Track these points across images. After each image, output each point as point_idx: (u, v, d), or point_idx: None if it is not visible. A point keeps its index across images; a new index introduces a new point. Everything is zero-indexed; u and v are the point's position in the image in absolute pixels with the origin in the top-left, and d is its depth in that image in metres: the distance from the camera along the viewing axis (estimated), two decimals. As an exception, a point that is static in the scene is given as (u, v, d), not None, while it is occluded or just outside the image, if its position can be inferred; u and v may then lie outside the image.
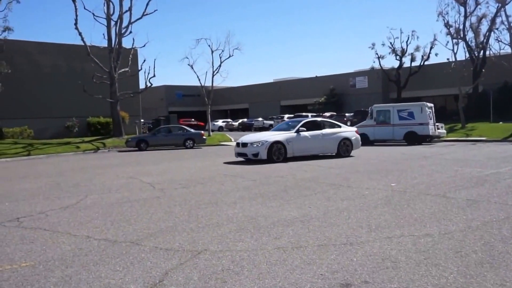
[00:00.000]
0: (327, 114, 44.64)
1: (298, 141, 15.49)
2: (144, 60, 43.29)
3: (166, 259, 4.92)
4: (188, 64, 40.40)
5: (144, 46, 34.82)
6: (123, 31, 32.12)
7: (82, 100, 33.14)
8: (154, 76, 33.98)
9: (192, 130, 28.86)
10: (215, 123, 52.74)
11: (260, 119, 53.65)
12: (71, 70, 34.93)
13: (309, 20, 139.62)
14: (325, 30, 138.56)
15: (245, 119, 58.17)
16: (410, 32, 49.14)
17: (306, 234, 5.83)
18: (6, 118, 30.81)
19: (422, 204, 7.53)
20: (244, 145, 15.56)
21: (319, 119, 18.14)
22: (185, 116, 59.27)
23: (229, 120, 60.88)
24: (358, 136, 17.18)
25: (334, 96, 54.94)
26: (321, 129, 16.37)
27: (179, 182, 11.12)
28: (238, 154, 15.85)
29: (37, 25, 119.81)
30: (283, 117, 47.96)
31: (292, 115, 47.58)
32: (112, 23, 31.97)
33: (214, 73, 40.03)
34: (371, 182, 10.05)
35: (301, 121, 16.51)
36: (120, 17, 31.94)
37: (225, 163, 15.74)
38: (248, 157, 15.31)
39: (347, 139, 16.55)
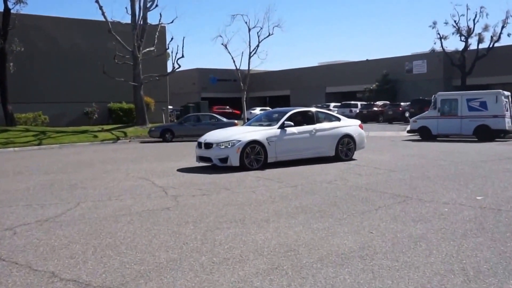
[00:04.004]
0: (380, 102, 42.38)
1: (283, 140, 12.45)
2: (172, 38, 42.22)
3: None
4: (222, 44, 38.75)
5: (172, 22, 33.76)
6: (148, 4, 31.02)
7: (103, 83, 32.46)
8: (182, 56, 32.48)
9: (225, 119, 27.44)
10: (252, 112, 51.26)
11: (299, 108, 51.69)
12: (90, 49, 34.21)
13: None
14: (377, 7, 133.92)
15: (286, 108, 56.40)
16: (478, 9, 45.74)
17: (371, 283, 4.17)
18: (18, 103, 30.29)
19: (537, 233, 5.70)
20: (208, 145, 12.27)
21: (313, 109, 14.64)
22: (219, 103, 58.22)
23: (267, 108, 59.21)
24: (363, 131, 14.25)
25: (388, 83, 52.33)
26: (314, 123, 13.29)
27: (200, 186, 9.62)
28: (200, 159, 12.60)
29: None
30: (329, 105, 45.93)
31: (339, 104, 45.52)
32: (137, -5, 30.92)
33: (251, 54, 38.47)
34: (448, 193, 8.21)
35: (286, 112, 13.29)
36: (146, -11, 30.84)
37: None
38: (213, 163, 12.16)
39: (348, 136, 13.57)
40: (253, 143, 12.01)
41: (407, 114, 33.27)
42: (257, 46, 38.42)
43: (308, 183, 9.66)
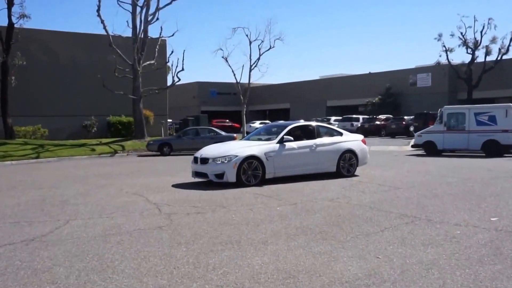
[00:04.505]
0: (382, 116, 42.03)
1: (282, 156, 11.98)
2: (172, 52, 41.96)
3: None
4: (222, 57, 38.57)
5: (173, 35, 33.61)
6: (149, 18, 30.93)
7: (102, 96, 32.26)
8: (182, 69, 32.26)
9: (223, 133, 27.11)
10: (252, 125, 50.98)
11: (302, 121, 51.46)
12: (90, 62, 34.09)
13: (362, 7, 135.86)
14: (380, 18, 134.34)
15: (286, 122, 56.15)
16: (486, 20, 45.30)
17: (380, 320, 3.78)
18: (18, 116, 30.12)
19: (556, 259, 5.30)
20: (204, 161, 11.84)
21: (313, 123, 14.16)
22: (219, 117, 58.04)
23: (267, 121, 58.98)
24: (365, 147, 13.86)
25: (391, 96, 52.06)
26: (314, 137, 12.83)
27: (195, 203, 9.24)
28: (196, 174, 12.21)
29: (54, 12, 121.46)
30: (330, 119, 45.63)
31: (340, 117, 45.23)
32: (138, 9, 30.84)
33: (252, 67, 38.29)
34: (459, 213, 7.79)
35: (286, 126, 12.90)
36: (147, 2, 30.73)
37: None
38: (209, 179, 11.75)
39: (350, 151, 13.14)
40: (251, 158, 11.57)
41: (411, 128, 32.86)
42: (258, 59, 38.28)
43: (308, 201, 9.27)
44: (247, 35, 38.80)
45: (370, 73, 58.10)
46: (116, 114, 35.33)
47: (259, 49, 38.24)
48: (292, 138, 12.33)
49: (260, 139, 13.07)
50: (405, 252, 5.61)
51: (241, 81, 38.85)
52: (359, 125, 40.83)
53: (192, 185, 11.92)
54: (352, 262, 5.27)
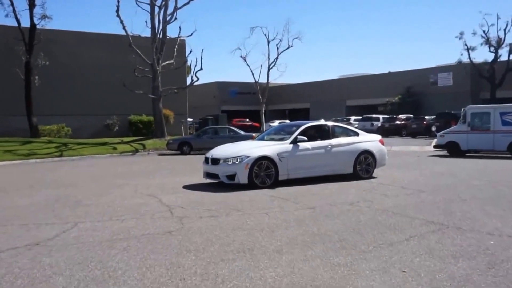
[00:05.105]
0: (403, 116, 41.01)
1: (295, 156, 11.35)
2: (191, 51, 41.79)
3: None
4: (241, 56, 38.24)
5: (191, 35, 33.22)
6: (168, 18, 30.65)
7: (124, 96, 32.16)
8: (201, 69, 32.03)
9: (242, 132, 26.62)
10: (271, 124, 50.37)
11: (322, 120, 50.70)
12: (112, 62, 34.01)
13: (382, 6, 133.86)
14: (400, 17, 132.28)
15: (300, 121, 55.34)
16: (510, 18, 43.93)
17: None
18: (43, 115, 30.25)
19: None
20: (215, 161, 11.31)
21: (329, 123, 13.52)
22: (239, 116, 57.60)
23: (287, 121, 58.38)
24: (384, 147, 13.06)
25: (411, 96, 50.87)
26: (329, 138, 12.14)
27: (209, 205, 8.75)
28: (207, 175, 11.70)
29: (76, 13, 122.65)
30: (350, 118, 44.78)
31: (360, 117, 44.34)
32: (156, 9, 30.57)
33: (270, 67, 37.91)
34: (491, 221, 7.11)
35: (300, 126, 12.20)
36: (165, 3, 30.44)
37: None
38: (220, 180, 11.24)
39: (367, 152, 12.41)
40: (263, 159, 10.95)
41: (433, 128, 31.83)
42: (276, 58, 37.93)
43: (327, 204, 8.69)
44: (265, 35, 38.67)
45: (389, 72, 56.94)
46: (137, 113, 35.31)
47: (277, 49, 37.88)
48: (306, 138, 11.66)
49: (273, 139, 12.46)
50: (434, 265, 5.00)
51: (259, 81, 38.36)
52: (379, 124, 39.92)
53: (208, 186, 11.45)
54: (375, 276, 4.70)
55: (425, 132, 34.86)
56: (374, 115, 44.29)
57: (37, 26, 28.34)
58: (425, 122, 35.95)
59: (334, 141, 12.12)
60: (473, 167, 15.27)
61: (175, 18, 30.84)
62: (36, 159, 22.23)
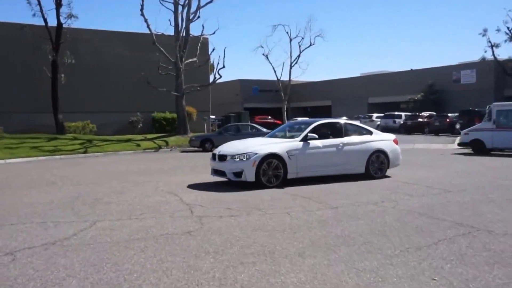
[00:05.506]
0: (425, 113, 40.09)
1: (305, 154, 10.86)
2: (213, 49, 41.59)
3: None
4: (263, 54, 38.13)
5: (214, 33, 33.03)
6: (191, 16, 30.48)
7: (147, 93, 32.22)
8: (224, 67, 31.69)
9: (264, 130, 26.29)
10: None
11: (344, 118, 50.06)
12: (136, 60, 34.10)
13: (404, 3, 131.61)
14: (422, 14, 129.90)
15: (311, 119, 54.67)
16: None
17: None
18: (69, 112, 30.48)
19: None
20: (222, 158, 10.88)
21: (341, 121, 12.96)
22: (261, 113, 57.32)
23: (307, 118, 57.87)
24: (398, 147, 12.44)
25: (434, 93, 49.75)
26: (341, 136, 11.63)
27: (229, 204, 8.46)
28: (215, 172, 11.28)
29: (101, 12, 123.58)
30: (372, 116, 44.04)
31: (382, 114, 43.57)
32: (180, 8, 30.44)
33: (292, 64, 37.50)
34: (523, 222, 6.66)
35: (311, 123, 11.68)
36: (189, 1, 30.28)
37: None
38: (227, 177, 10.80)
39: (380, 151, 11.89)
40: (272, 156, 10.47)
41: (457, 126, 30.99)
42: (298, 56, 37.54)
43: (350, 204, 8.31)
44: (287, 32, 38.30)
45: (412, 70, 55.83)
46: (160, 111, 35.30)
47: (299, 46, 37.55)
48: (316, 136, 11.15)
49: (284, 136, 12.01)
50: (466, 273, 4.61)
51: (281, 78, 37.98)
52: (402, 122, 39.14)
53: (229, 184, 11.15)
54: (404, 284, 4.33)
55: (448, 129, 33.99)
56: (396, 113, 43.47)
57: (64, 25, 28.47)
58: (448, 120, 35.06)
59: (346, 139, 11.62)
60: (500, 165, 14.64)
61: (198, 17, 30.69)
62: (61, 155, 22.28)
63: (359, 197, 9.06)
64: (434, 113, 40.53)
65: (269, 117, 56.64)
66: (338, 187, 10.40)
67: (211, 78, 35.40)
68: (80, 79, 32.02)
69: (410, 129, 37.27)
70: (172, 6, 30.40)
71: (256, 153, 10.42)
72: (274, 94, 60.05)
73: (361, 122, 44.74)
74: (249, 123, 30.25)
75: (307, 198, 8.95)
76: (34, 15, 28.35)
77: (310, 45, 37.59)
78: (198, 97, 35.22)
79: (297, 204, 8.37)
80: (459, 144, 21.80)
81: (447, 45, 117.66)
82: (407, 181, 11.06)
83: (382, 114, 43.63)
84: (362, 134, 12.14)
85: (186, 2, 30.30)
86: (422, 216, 7.16)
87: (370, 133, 12.30)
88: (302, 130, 11.50)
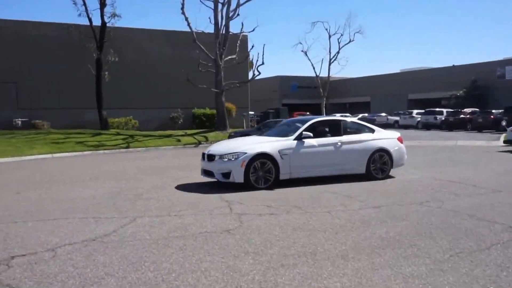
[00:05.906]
0: (468, 110, 38.60)
1: (299, 154, 10.12)
2: (253, 46, 41.51)
3: None
4: (302, 51, 37.58)
5: (253, 30, 32.94)
6: (230, 14, 30.38)
7: (188, 90, 32.41)
8: (263, 63, 31.49)
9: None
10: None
11: (383, 114, 48.91)
12: (177, 58, 34.41)
13: None
14: (464, 9, 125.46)
15: (366, 114, 53.70)
16: None
17: None
18: (112, 108, 31.11)
19: None
20: (211, 158, 10.20)
21: (340, 118, 12.04)
22: (299, 110, 56.84)
23: (347, 114, 56.83)
24: (402, 146, 11.52)
25: (477, 89, 47.90)
26: (340, 134, 10.82)
27: (269, 202, 8.23)
28: (204, 172, 10.54)
29: (143, 11, 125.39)
30: (412, 112, 42.80)
31: (422, 111, 42.26)
32: (220, 6, 30.39)
33: (331, 61, 36.83)
34: None
35: (307, 121, 10.93)
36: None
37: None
38: (216, 178, 10.09)
39: (383, 150, 11.03)
40: (262, 156, 9.77)
41: (504, 123, 29.65)
42: (337, 52, 36.89)
43: (394, 203, 7.91)
44: (326, 29, 38.00)
45: (453, 66, 53.91)
46: (200, 107, 35.52)
47: (339, 43, 36.98)
48: (311, 135, 10.38)
49: (278, 135, 11.13)
50: (526, 282, 4.21)
51: (320, 75, 37.39)
52: (443, 118, 37.84)
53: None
54: (457, 293, 3.98)
55: (493, 126, 32.57)
56: (437, 109, 42.08)
57: (107, 24, 28.99)
58: (492, 116, 33.60)
59: (344, 138, 10.81)
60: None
61: (238, 14, 30.55)
62: (105, 150, 22.67)
63: (403, 195, 8.62)
64: (477, 109, 38.99)
65: (308, 113, 56.09)
66: (381, 185, 9.97)
67: (250, 75, 35.22)
68: (123, 76, 32.57)
69: (452, 125, 35.99)
70: (212, 4, 30.39)
71: (245, 153, 9.77)
72: (312, 90, 59.40)
73: (400, 118, 43.69)
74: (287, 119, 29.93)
75: (349, 197, 8.59)
76: (79, 15, 29.01)
77: (350, 41, 36.90)
78: (237, 94, 35.23)
79: (338, 203, 8.04)
80: (505, 142, 20.78)
81: (490, 40, 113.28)
82: (451, 180, 10.48)
83: (422, 111, 42.33)
84: (363, 132, 11.31)
85: (226, 0, 30.22)
86: (471, 218, 6.70)
87: (372, 131, 11.43)
88: (296, 129, 10.79)
